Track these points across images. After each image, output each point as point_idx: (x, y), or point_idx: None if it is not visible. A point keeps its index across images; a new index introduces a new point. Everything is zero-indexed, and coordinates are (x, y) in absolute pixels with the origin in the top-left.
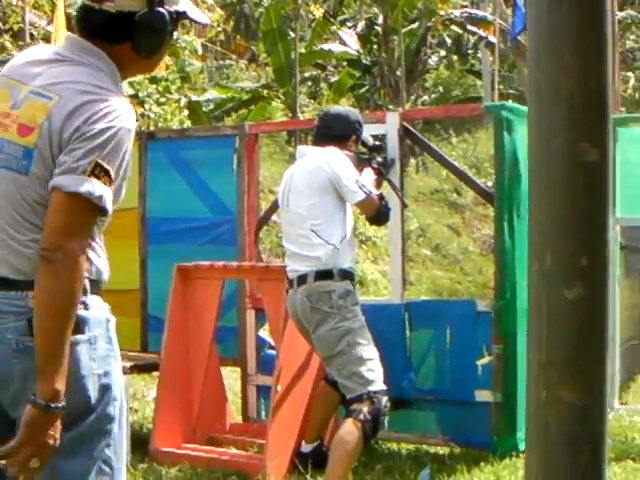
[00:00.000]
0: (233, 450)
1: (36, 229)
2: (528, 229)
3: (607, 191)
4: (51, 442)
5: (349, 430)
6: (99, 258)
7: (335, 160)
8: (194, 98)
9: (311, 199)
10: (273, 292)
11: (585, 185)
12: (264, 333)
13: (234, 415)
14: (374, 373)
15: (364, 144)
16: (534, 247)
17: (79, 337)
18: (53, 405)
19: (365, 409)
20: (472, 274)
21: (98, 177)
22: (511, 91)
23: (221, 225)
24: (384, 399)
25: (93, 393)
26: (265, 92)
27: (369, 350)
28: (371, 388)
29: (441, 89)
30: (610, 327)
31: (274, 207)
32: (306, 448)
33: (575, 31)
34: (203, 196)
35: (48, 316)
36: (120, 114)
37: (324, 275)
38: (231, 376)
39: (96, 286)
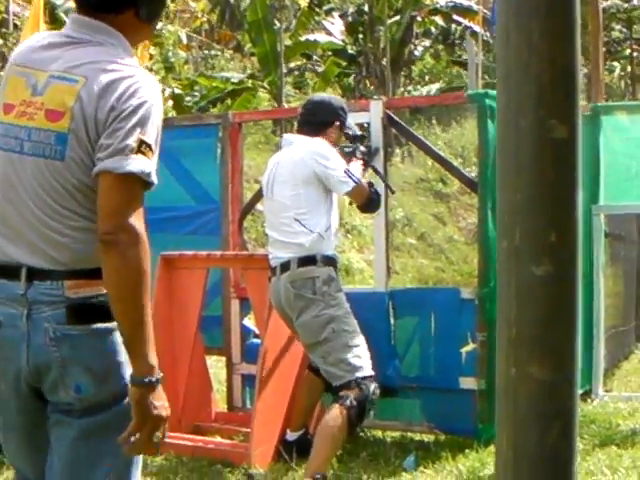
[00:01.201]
0: (218, 439)
1: (75, 216)
2: (497, 208)
3: (576, 168)
4: (163, 413)
5: (334, 416)
6: None
7: (322, 152)
8: (178, 91)
9: (294, 189)
10: (257, 281)
11: (554, 161)
12: (249, 322)
13: (219, 404)
14: (361, 359)
15: (347, 133)
16: (503, 225)
17: (116, 324)
18: (154, 379)
19: (352, 395)
20: (457, 263)
21: (144, 153)
22: (496, 81)
23: (205, 214)
24: (372, 386)
25: (127, 381)
26: (250, 82)
27: (355, 337)
28: (359, 374)
29: (427, 79)
30: (595, 315)
31: (258, 196)
32: (291, 436)
33: (544, 11)
34: (187, 185)
35: (124, 297)
36: (149, 87)
37: (307, 261)
38: (216, 365)
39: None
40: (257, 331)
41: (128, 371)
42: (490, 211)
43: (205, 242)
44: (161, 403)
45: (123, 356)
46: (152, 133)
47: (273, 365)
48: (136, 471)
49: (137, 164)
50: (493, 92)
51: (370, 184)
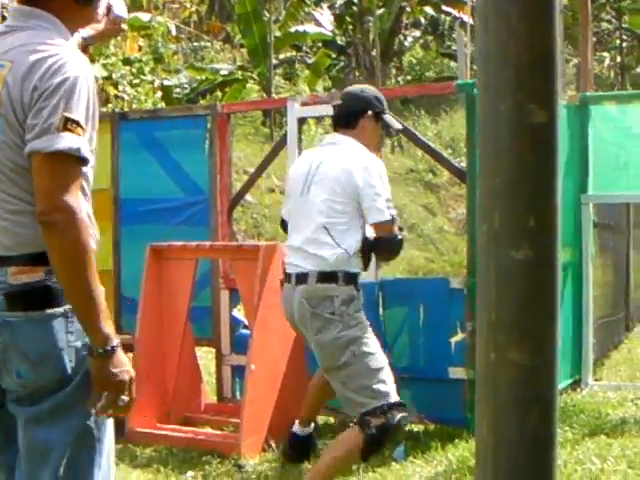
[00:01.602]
0: (208, 430)
1: (14, 200)
2: (477, 192)
3: (555, 152)
4: (126, 377)
5: (348, 438)
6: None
7: (373, 171)
8: (167, 82)
9: (333, 195)
10: (246, 271)
11: (532, 146)
12: (238, 313)
13: (209, 395)
14: (386, 385)
15: (388, 125)
16: (483, 210)
17: (55, 310)
18: (109, 348)
19: (375, 422)
20: (447, 253)
21: (71, 130)
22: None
23: (194, 205)
24: (399, 415)
25: (69, 365)
26: (240, 74)
27: (378, 359)
28: (385, 401)
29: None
30: (584, 305)
31: (247, 187)
32: (301, 431)
33: None
34: (176, 177)
35: (69, 276)
36: (72, 63)
37: (328, 277)
38: (206, 357)
39: None
40: (246, 322)
41: (72, 356)
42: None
43: (194, 233)
44: (120, 369)
45: (64, 342)
46: (79, 109)
47: (262, 356)
48: (98, 457)
49: (64, 142)
50: None
51: (400, 228)
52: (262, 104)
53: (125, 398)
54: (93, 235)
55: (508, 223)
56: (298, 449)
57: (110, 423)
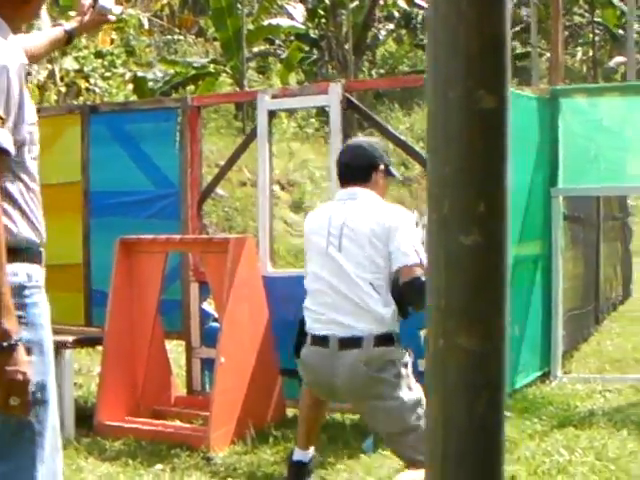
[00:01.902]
0: (177, 423)
1: None
2: (428, 181)
3: (505, 138)
4: (19, 377)
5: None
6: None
7: (407, 222)
8: (140, 74)
9: (374, 250)
10: (216, 264)
11: (482, 132)
12: (208, 306)
13: (179, 388)
14: None
15: (392, 175)
16: (433, 198)
17: None
18: (6, 344)
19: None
20: None
21: None
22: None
23: (164, 198)
24: None
25: None
26: (213, 67)
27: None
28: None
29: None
30: (553, 297)
31: (218, 179)
32: (301, 456)
33: None
34: (146, 169)
35: None
36: None
37: (386, 339)
38: (176, 350)
39: (17, 252)
40: (216, 315)
41: None
42: None
43: (164, 226)
44: (15, 368)
45: None
46: None
47: (232, 349)
48: (40, 450)
49: None
50: None
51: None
52: (233, 97)
53: (17, 399)
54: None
55: (458, 209)
56: (303, 476)
57: (54, 415)
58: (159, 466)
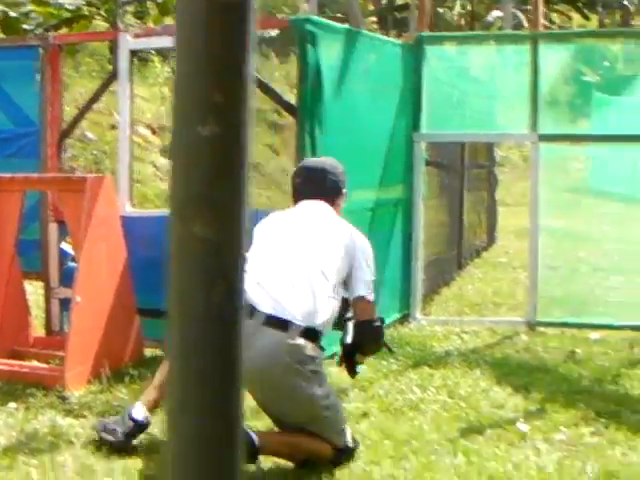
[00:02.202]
0: (35, 363)
1: None
2: (173, 79)
3: (246, 30)
4: None
5: (324, 446)
6: None
7: (368, 251)
8: (12, 14)
9: (337, 249)
10: (74, 203)
11: (222, 24)
12: (67, 245)
13: (38, 329)
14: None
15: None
16: (177, 90)
17: None
18: None
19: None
20: (290, 192)
21: None
22: (339, 15)
23: (24, 137)
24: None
25: None
26: (87, 10)
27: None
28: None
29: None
30: (413, 243)
31: (78, 119)
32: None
33: None
34: (5, 108)
35: None
36: None
37: (312, 335)
38: (36, 291)
39: None
40: (75, 254)
41: None
42: (308, 135)
43: (24, 165)
44: None
45: None
46: None
47: (89, 288)
48: None
49: None
50: (315, 18)
51: (382, 319)
52: (95, 36)
53: None
54: None
55: (195, 99)
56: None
57: None
58: (13, 404)
